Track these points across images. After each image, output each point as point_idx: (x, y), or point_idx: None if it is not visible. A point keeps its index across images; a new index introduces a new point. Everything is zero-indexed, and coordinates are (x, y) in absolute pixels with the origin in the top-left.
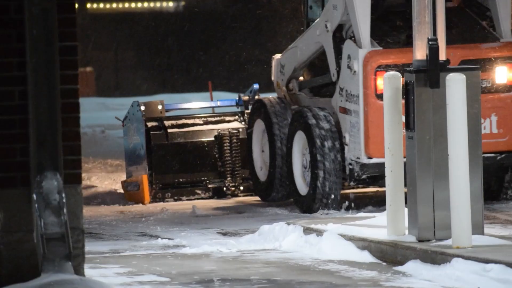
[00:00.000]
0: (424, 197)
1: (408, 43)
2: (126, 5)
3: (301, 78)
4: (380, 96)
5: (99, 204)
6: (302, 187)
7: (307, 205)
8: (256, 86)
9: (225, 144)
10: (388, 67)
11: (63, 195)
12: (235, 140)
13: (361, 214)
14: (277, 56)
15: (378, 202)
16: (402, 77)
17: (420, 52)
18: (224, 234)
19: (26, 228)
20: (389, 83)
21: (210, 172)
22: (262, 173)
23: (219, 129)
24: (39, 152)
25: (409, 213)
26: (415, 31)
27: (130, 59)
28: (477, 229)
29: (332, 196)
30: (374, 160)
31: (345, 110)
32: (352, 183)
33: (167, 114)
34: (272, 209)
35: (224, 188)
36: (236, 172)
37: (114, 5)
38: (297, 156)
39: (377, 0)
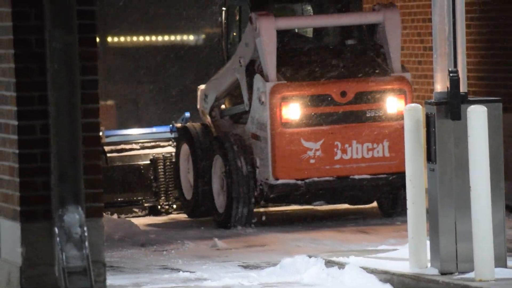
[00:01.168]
0: (446, 229)
1: (309, 77)
2: (147, 38)
3: (223, 106)
4: (285, 125)
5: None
6: (220, 205)
7: (224, 221)
8: (187, 114)
9: (159, 167)
10: (292, 98)
11: (85, 228)
12: (168, 163)
13: (383, 246)
14: (202, 86)
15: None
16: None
17: (440, 84)
18: (246, 267)
19: (48, 261)
20: (409, 115)
21: (146, 192)
22: (188, 193)
23: (154, 153)
24: (60, 186)
25: (431, 245)
26: (435, 63)
27: (150, 91)
28: (500, 261)
29: (245, 213)
30: (281, 181)
31: (256, 136)
32: (263, 202)
33: (108, 140)
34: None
35: (159, 207)
36: (169, 192)
37: (135, 38)
38: (216, 178)
39: (283, 39)
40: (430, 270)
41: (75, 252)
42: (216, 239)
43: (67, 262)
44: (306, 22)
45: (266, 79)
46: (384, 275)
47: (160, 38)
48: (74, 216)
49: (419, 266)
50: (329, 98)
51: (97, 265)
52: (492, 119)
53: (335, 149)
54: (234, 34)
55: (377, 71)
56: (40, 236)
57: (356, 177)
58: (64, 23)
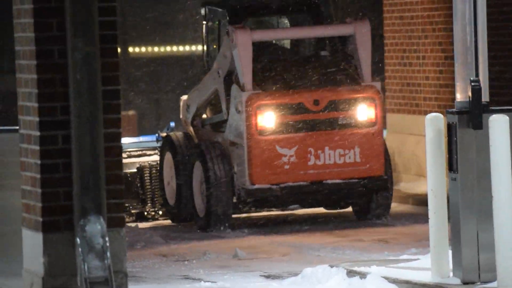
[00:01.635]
0: (468, 238)
1: (284, 87)
2: (168, 48)
3: (204, 116)
4: (260, 132)
5: (142, 247)
6: (201, 210)
7: (204, 225)
8: (172, 124)
9: (145, 175)
10: (267, 107)
11: (107, 238)
12: (154, 171)
13: (405, 256)
14: (184, 97)
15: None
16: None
17: (462, 93)
18: (267, 276)
19: (69, 272)
20: (431, 124)
21: (133, 199)
22: (171, 199)
23: (140, 162)
24: (82, 196)
25: (453, 255)
26: (457, 72)
27: (171, 101)
28: None
29: (224, 217)
30: (257, 186)
31: (233, 144)
32: (241, 206)
33: None
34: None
35: (145, 213)
36: (155, 199)
37: (156, 48)
38: (196, 184)
39: (260, 50)
40: (452, 280)
41: (97, 262)
42: (237, 249)
43: (89, 273)
44: (281, 35)
45: (242, 88)
46: (406, 285)
47: (180, 48)
48: (96, 226)
49: (441, 276)
50: (303, 107)
51: (119, 275)
52: None
53: (309, 155)
54: (214, 46)
55: (348, 80)
56: (62, 246)
57: (329, 181)
58: (86, 33)
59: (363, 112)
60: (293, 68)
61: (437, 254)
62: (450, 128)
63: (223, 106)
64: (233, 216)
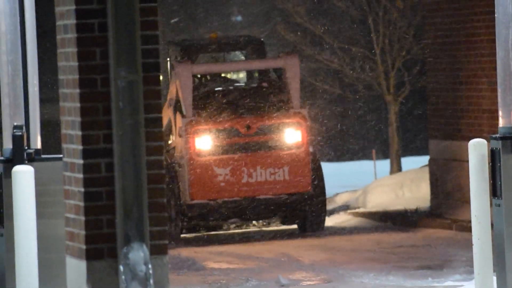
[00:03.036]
0: None
1: (220, 114)
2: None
3: (170, 141)
4: (198, 154)
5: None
6: None
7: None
8: None
9: None
10: (204, 131)
11: (150, 266)
12: None
13: (449, 283)
14: None
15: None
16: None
17: (505, 119)
18: None
19: None
20: (474, 150)
21: None
22: None
23: None
24: (125, 223)
25: (498, 281)
26: (500, 97)
27: None
28: None
29: (175, 231)
30: (196, 202)
31: (180, 165)
32: (185, 219)
33: None
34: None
35: None
36: None
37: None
38: None
39: (203, 81)
40: None
41: None
42: (279, 275)
43: None
44: (219, 68)
45: (183, 115)
46: None
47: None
48: (139, 254)
49: None
50: (236, 131)
51: None
52: None
53: (242, 174)
54: None
55: (278, 107)
56: (105, 274)
57: (261, 197)
58: (129, 62)
59: (291, 135)
60: (230, 97)
61: (481, 281)
62: (494, 154)
63: (174, 131)
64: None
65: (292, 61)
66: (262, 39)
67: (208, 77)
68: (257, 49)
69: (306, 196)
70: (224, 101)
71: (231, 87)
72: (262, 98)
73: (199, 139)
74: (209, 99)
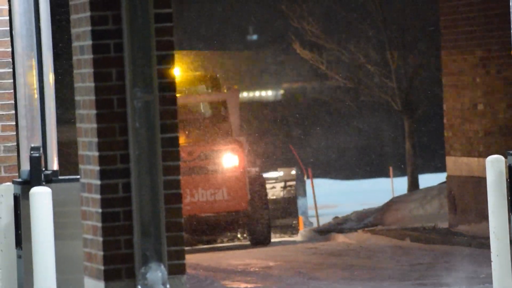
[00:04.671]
0: None
1: None
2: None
3: None
4: None
5: None
6: None
7: None
8: None
9: None
10: None
11: (168, 286)
12: None
13: None
14: None
15: None
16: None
17: None
18: None
19: None
20: (492, 166)
21: None
22: None
23: None
24: (143, 244)
25: None
26: None
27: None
28: None
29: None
30: None
31: None
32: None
33: None
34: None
35: None
36: None
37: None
38: None
39: None
40: None
41: None
42: None
43: None
44: None
45: None
46: None
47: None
48: (157, 274)
49: None
50: (180, 157)
51: None
52: None
53: (186, 194)
54: None
55: (219, 135)
56: None
57: (203, 215)
58: (145, 82)
59: (229, 159)
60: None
61: None
62: None
63: None
64: None
65: (233, 96)
66: (217, 75)
67: None
68: (215, 83)
69: (243, 214)
70: None
71: (184, 117)
72: (205, 127)
73: None
74: None
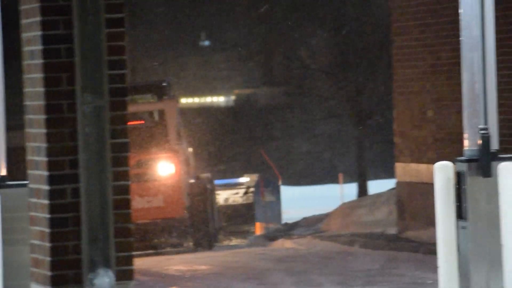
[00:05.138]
0: (478, 287)
1: None
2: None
3: None
4: None
5: None
6: None
7: None
8: None
9: None
10: None
11: None
12: None
13: None
14: None
15: None
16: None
17: (471, 141)
18: None
19: None
20: (439, 173)
21: None
22: None
23: None
24: (91, 249)
25: None
26: (465, 121)
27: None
28: None
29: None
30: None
31: None
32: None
33: None
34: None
35: None
36: None
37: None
38: None
39: None
40: None
41: None
42: None
43: None
44: None
45: None
46: None
47: (190, 99)
48: (104, 280)
49: None
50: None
51: None
52: None
53: None
54: None
55: (156, 144)
56: None
57: (140, 221)
58: (95, 87)
59: (165, 168)
60: None
61: None
62: (460, 176)
63: None
64: None
65: (170, 104)
66: (163, 83)
67: None
68: (160, 92)
69: (178, 220)
70: None
71: None
72: (143, 135)
73: None
74: None
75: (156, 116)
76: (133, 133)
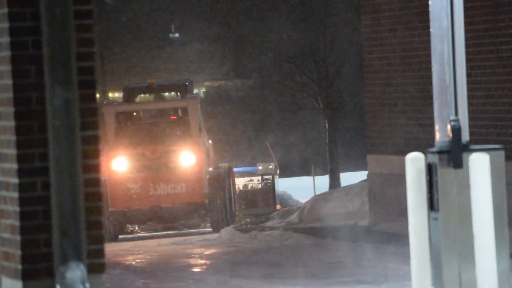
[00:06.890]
0: (450, 278)
1: (133, 142)
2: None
3: None
4: (115, 173)
5: None
6: None
7: None
8: None
9: None
10: (120, 156)
11: (87, 285)
12: None
13: None
14: None
15: None
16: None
17: (441, 133)
18: None
19: None
20: (411, 164)
21: None
22: None
23: None
24: (62, 243)
25: None
26: (436, 112)
27: None
28: None
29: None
30: (113, 209)
31: (104, 181)
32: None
33: None
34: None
35: None
36: None
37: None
38: None
39: (128, 117)
40: None
41: None
42: None
43: None
44: (139, 107)
45: (107, 144)
46: None
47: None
48: (76, 273)
49: None
50: (144, 155)
51: None
52: (495, 167)
53: (149, 188)
54: None
55: (179, 137)
56: None
57: (164, 205)
58: (64, 79)
59: (187, 158)
60: (145, 129)
61: None
62: (431, 168)
63: None
64: None
65: (192, 102)
66: (186, 83)
67: (135, 113)
68: (183, 90)
69: (199, 204)
70: (140, 132)
71: (151, 121)
72: (168, 129)
73: (115, 162)
74: (128, 131)
75: (179, 112)
76: (160, 127)
